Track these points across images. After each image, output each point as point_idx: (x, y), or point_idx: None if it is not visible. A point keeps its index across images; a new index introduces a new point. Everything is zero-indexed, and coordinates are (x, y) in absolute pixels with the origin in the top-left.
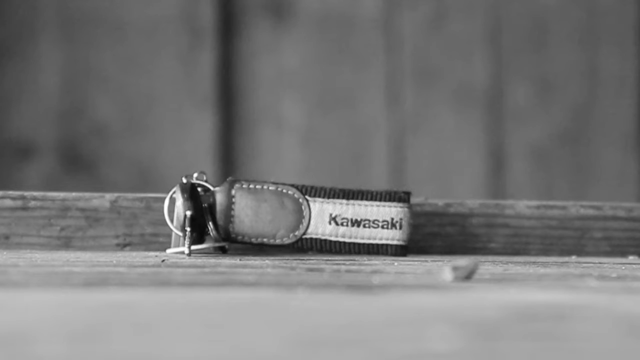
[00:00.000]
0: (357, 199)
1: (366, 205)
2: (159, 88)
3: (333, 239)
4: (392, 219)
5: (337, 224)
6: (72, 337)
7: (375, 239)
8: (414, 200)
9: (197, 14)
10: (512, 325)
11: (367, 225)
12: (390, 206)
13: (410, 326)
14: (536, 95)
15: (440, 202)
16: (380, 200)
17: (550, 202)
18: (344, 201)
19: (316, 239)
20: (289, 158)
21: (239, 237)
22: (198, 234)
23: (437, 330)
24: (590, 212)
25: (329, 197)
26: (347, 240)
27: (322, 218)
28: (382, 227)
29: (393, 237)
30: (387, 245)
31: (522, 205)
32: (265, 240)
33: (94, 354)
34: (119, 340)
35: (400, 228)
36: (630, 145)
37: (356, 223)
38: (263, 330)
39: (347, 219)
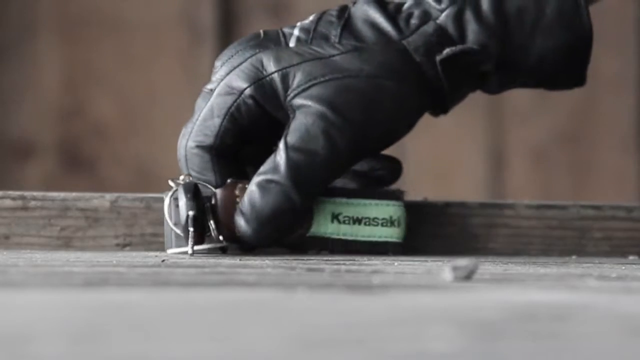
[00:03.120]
0: (356, 197)
1: (365, 205)
2: (159, 88)
3: (335, 237)
4: (391, 216)
5: (339, 222)
6: (72, 337)
7: (375, 236)
8: (413, 200)
9: (197, 14)
10: (512, 325)
11: (367, 223)
12: (388, 204)
13: (410, 326)
14: (536, 95)
15: (440, 202)
16: (379, 198)
17: (550, 202)
18: (344, 199)
19: (319, 237)
20: None
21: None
22: (199, 234)
23: (437, 330)
24: (590, 212)
25: (330, 196)
26: (348, 238)
27: (324, 216)
28: (382, 225)
29: (392, 234)
30: (387, 242)
31: (522, 205)
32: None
33: (94, 354)
34: (118, 340)
35: (399, 226)
36: (630, 145)
37: (357, 221)
38: (263, 330)
39: (348, 217)
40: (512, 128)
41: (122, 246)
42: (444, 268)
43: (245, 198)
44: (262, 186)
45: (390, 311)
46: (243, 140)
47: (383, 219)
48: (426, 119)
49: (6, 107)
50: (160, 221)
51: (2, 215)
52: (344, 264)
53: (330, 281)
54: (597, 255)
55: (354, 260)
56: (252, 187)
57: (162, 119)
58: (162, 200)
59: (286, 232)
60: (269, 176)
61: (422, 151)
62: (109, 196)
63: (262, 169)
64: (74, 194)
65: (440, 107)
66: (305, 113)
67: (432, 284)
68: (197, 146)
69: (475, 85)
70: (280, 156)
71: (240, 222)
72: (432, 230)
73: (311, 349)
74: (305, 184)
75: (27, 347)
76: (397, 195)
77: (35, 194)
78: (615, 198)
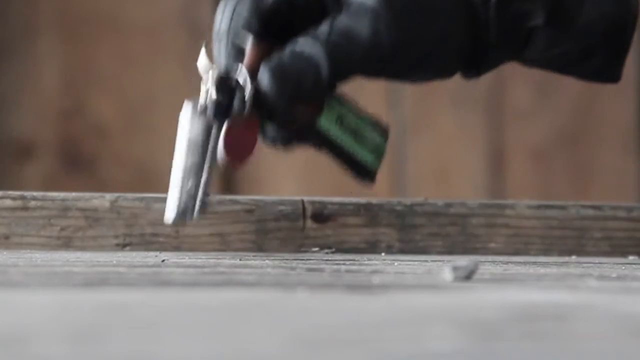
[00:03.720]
0: (362, 111)
1: (364, 122)
2: (159, 88)
3: (332, 138)
4: (378, 147)
5: (340, 124)
6: (72, 337)
7: (359, 154)
8: (413, 200)
9: (197, 14)
10: (512, 325)
11: (359, 140)
12: (381, 134)
13: (410, 326)
14: (537, 95)
15: (440, 202)
16: (377, 125)
17: (550, 202)
18: (352, 106)
19: (323, 132)
20: (289, 157)
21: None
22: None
23: (437, 330)
24: (590, 212)
25: (340, 99)
26: (339, 143)
27: (332, 114)
28: (369, 150)
29: (372, 163)
30: (365, 167)
31: (522, 205)
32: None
33: (94, 354)
34: (118, 340)
35: (379, 158)
36: (630, 145)
37: (353, 132)
38: (263, 330)
39: (348, 123)
40: (512, 128)
41: (122, 246)
42: (444, 268)
43: (275, 56)
44: (295, 52)
45: (390, 311)
46: (291, 23)
47: (372, 144)
48: (426, 118)
49: (6, 107)
50: (160, 221)
51: (2, 215)
52: (344, 264)
53: (330, 281)
54: (597, 255)
55: (354, 260)
56: (286, 50)
57: (162, 119)
58: (162, 200)
59: (303, 101)
60: (305, 47)
61: (422, 151)
62: (109, 196)
63: (300, 38)
64: (74, 194)
65: (477, 66)
66: (359, 4)
67: (432, 284)
68: (247, 15)
69: (517, 47)
70: (322, 32)
71: (263, 74)
72: (432, 230)
73: (311, 349)
74: (338, 66)
75: (27, 347)
76: (388, 132)
77: (35, 194)
78: (615, 198)
